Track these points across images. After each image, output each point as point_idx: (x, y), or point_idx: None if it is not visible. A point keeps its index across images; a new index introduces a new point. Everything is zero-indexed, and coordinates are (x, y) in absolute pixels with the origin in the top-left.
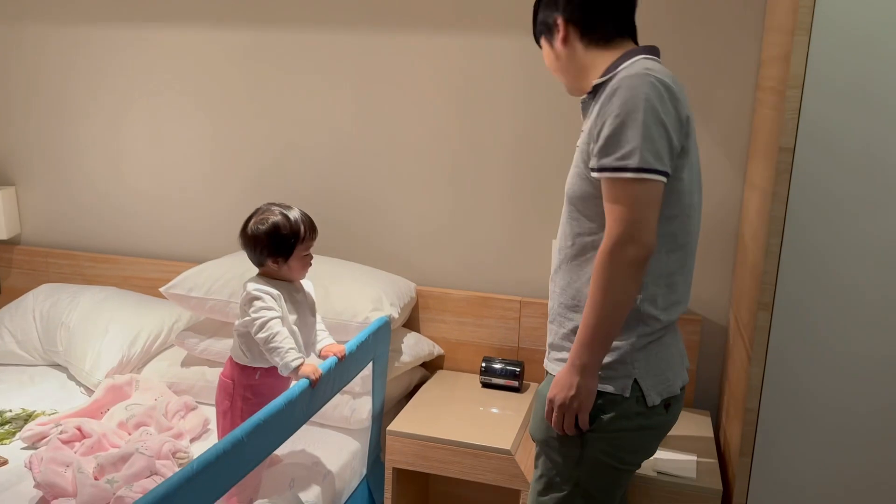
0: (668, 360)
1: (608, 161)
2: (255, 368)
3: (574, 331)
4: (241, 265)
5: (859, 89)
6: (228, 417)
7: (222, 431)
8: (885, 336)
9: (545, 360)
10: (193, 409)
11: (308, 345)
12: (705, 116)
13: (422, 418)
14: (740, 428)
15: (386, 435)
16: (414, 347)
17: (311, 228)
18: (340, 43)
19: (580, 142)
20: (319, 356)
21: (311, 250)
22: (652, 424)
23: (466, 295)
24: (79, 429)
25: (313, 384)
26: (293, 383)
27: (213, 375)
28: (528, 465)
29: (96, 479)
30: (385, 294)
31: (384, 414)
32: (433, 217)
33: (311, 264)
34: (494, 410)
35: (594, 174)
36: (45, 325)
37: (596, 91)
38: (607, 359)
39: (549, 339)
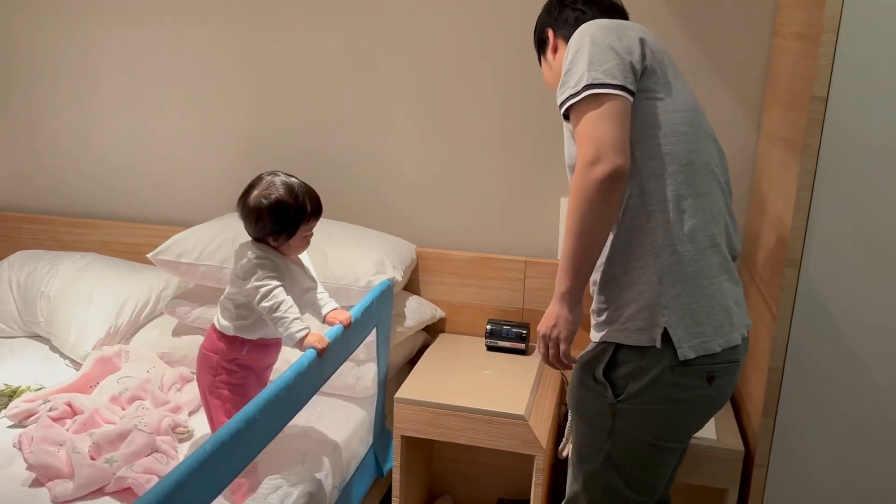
0: (705, 312)
1: (565, 93)
2: (243, 342)
3: (604, 294)
4: (231, 228)
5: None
6: (216, 393)
7: (212, 408)
8: None
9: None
10: (190, 380)
11: (305, 309)
12: (717, 64)
13: (429, 384)
14: (763, 388)
15: (393, 402)
16: (416, 311)
17: (317, 207)
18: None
19: None
20: (324, 322)
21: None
22: (690, 398)
23: (468, 256)
24: (69, 405)
25: (320, 353)
26: (287, 353)
27: None
28: (542, 430)
29: (93, 458)
30: (387, 256)
31: (388, 381)
32: (430, 175)
33: (308, 244)
34: (502, 374)
35: (561, 112)
36: (23, 294)
37: None
38: (631, 308)
39: (589, 311)
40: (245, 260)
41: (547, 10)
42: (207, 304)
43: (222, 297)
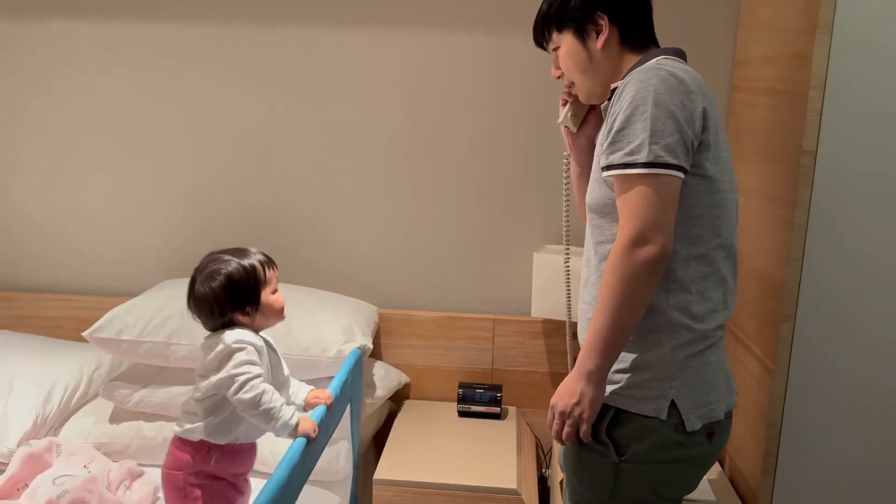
0: (711, 380)
1: (617, 157)
2: (210, 448)
3: None
4: (177, 299)
5: (880, 86)
6: None
7: None
8: None
9: None
10: (139, 475)
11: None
12: None
13: (407, 460)
14: (759, 445)
15: (372, 485)
16: (385, 379)
17: (268, 261)
18: (275, 42)
19: (597, 147)
20: (305, 407)
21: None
22: (692, 456)
23: (433, 316)
24: None
25: (312, 440)
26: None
27: (153, 431)
28: (531, 501)
29: None
30: (355, 322)
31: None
32: (391, 231)
33: (283, 301)
34: (481, 442)
35: (605, 174)
36: None
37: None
38: (640, 376)
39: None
40: (221, 346)
41: None
42: (152, 385)
43: (185, 399)
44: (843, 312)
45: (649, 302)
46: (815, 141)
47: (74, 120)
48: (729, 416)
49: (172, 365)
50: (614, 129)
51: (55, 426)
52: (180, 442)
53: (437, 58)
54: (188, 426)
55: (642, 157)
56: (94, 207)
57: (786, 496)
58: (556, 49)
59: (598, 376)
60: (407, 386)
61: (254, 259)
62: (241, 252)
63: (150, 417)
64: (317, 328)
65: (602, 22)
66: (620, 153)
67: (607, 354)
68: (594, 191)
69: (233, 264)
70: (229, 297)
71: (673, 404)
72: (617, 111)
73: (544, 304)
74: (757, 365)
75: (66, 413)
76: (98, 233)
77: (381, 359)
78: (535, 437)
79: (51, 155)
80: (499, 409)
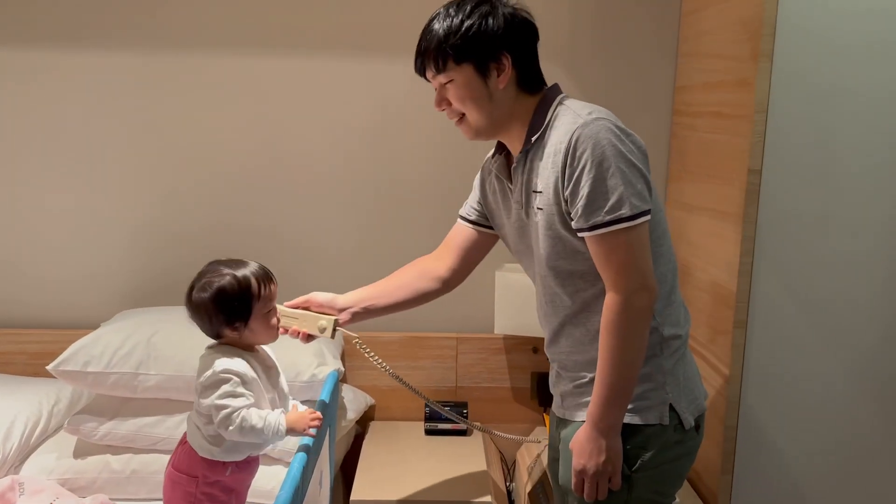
0: (692, 376)
1: (600, 217)
2: (225, 464)
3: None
4: (144, 328)
5: (819, 108)
6: None
7: None
8: (851, 339)
9: (559, 409)
10: None
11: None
12: None
13: (381, 480)
14: (716, 447)
15: None
16: (354, 402)
17: (266, 279)
18: (235, 68)
19: (540, 203)
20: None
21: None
22: (688, 450)
23: (398, 336)
24: None
25: (318, 427)
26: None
27: (120, 464)
28: None
29: None
30: (325, 345)
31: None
32: (351, 251)
33: (278, 323)
34: (449, 458)
35: (586, 234)
36: None
37: (530, 145)
38: (640, 388)
39: (561, 389)
40: (210, 372)
41: (494, 28)
42: (119, 417)
43: (192, 411)
44: (791, 319)
45: (647, 342)
46: (759, 160)
47: (24, 145)
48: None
49: (140, 396)
50: (585, 190)
51: (15, 464)
52: (194, 452)
53: (394, 81)
54: (200, 443)
55: (625, 211)
56: (44, 237)
57: (744, 493)
58: (448, 81)
59: (617, 428)
60: (372, 408)
61: (248, 272)
62: (238, 264)
63: (116, 450)
64: (288, 351)
65: (505, 62)
66: (602, 212)
67: (625, 402)
68: (554, 249)
69: (227, 278)
70: (219, 309)
71: (671, 407)
72: (575, 172)
73: (506, 321)
74: (711, 371)
75: (26, 450)
76: (47, 262)
77: (345, 381)
78: (500, 451)
79: (5, 177)
80: (465, 425)
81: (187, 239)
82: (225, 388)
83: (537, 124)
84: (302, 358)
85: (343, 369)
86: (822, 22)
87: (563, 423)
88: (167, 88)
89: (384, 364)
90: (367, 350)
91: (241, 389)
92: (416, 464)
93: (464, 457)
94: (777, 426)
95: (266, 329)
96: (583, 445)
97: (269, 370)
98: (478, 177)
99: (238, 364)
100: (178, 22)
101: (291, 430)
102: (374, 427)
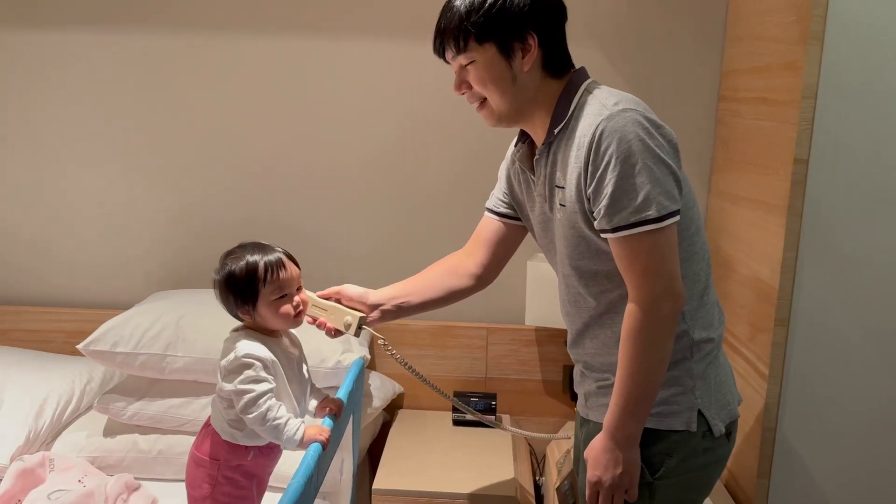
0: (725, 381)
1: (623, 217)
2: (248, 448)
3: None
4: (173, 310)
5: (870, 96)
6: None
7: None
8: None
9: (583, 408)
10: (136, 488)
11: (299, 402)
12: None
13: (405, 470)
14: (754, 448)
15: (371, 495)
16: (381, 389)
17: (278, 265)
18: (267, 52)
19: (562, 199)
20: (315, 414)
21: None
22: (717, 458)
23: (427, 325)
24: None
25: (325, 445)
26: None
27: (148, 444)
28: None
29: None
30: (370, 329)
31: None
32: (383, 239)
33: (297, 311)
34: (477, 450)
35: (608, 235)
36: None
37: (553, 136)
38: (666, 392)
39: (585, 388)
40: (232, 356)
41: (520, 4)
42: (147, 398)
43: (215, 394)
44: (836, 317)
45: (671, 350)
46: (806, 149)
47: (62, 128)
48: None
49: (168, 377)
50: (609, 189)
51: (47, 441)
52: (216, 433)
53: (427, 67)
54: (222, 425)
55: (652, 212)
56: (82, 218)
57: (780, 499)
58: (469, 63)
59: (636, 439)
60: (400, 396)
61: (260, 257)
62: (256, 248)
63: (144, 430)
64: (314, 338)
65: (531, 42)
66: (626, 212)
67: (645, 413)
68: (578, 249)
69: (239, 262)
70: (229, 292)
71: (699, 413)
72: (598, 168)
73: (538, 312)
74: (750, 369)
75: (58, 427)
76: (86, 244)
77: (374, 369)
78: (529, 444)
79: (37, 163)
80: (493, 417)
81: (223, 226)
82: (248, 373)
83: (561, 114)
84: (328, 344)
85: (369, 357)
86: (876, 3)
87: (585, 422)
88: (207, 77)
89: (409, 365)
90: (393, 351)
91: (263, 374)
92: (442, 455)
93: (491, 449)
94: (818, 430)
95: (276, 316)
96: (598, 456)
97: (291, 357)
98: (503, 165)
99: (258, 349)
100: (219, 8)
101: (309, 442)
102: (402, 415)
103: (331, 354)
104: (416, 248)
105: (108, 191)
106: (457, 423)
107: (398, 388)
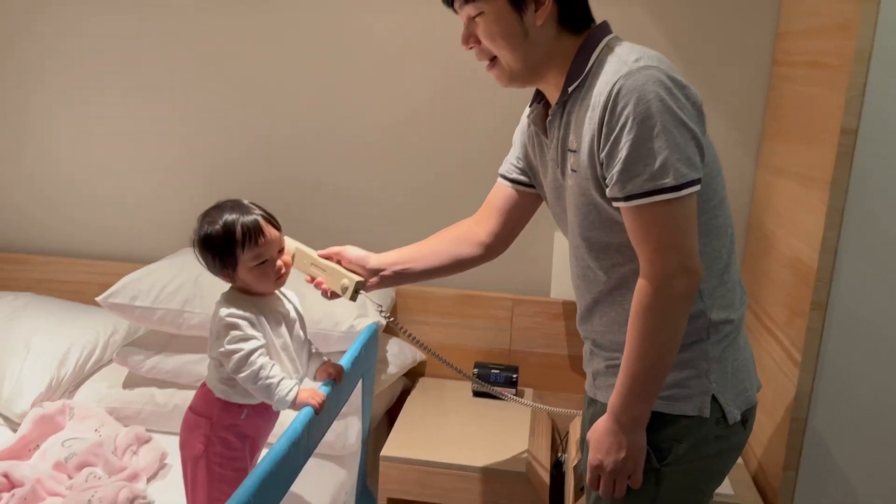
0: (743, 366)
1: (637, 185)
2: (241, 406)
3: None
4: (193, 267)
5: None
6: (202, 465)
7: (193, 482)
8: None
9: (590, 387)
10: (147, 441)
11: (300, 365)
12: (712, 91)
13: (416, 439)
14: (782, 438)
15: (378, 461)
16: (398, 356)
17: (255, 231)
18: (304, 7)
19: (574, 164)
20: (314, 378)
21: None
22: (732, 446)
23: (452, 293)
24: (5, 475)
25: (318, 410)
26: (282, 414)
27: (164, 398)
28: (542, 487)
29: None
30: (367, 299)
31: (369, 435)
32: (409, 204)
33: (279, 274)
34: (493, 423)
35: (621, 204)
36: None
37: (567, 95)
38: (678, 375)
39: (593, 367)
40: (217, 319)
41: None
42: (165, 352)
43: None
44: (878, 304)
45: (684, 332)
46: (856, 119)
47: (99, 83)
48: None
49: (185, 333)
50: (623, 153)
51: (70, 389)
52: (211, 393)
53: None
54: (214, 383)
55: (668, 180)
56: (118, 172)
57: (808, 494)
58: (478, 14)
59: (642, 423)
60: (422, 364)
61: (236, 225)
62: (234, 209)
63: (161, 384)
64: (329, 301)
65: None
66: (640, 179)
67: (652, 396)
68: (589, 217)
69: (215, 226)
70: (207, 255)
71: (713, 398)
72: (613, 129)
73: (564, 285)
74: (784, 356)
75: (80, 377)
76: (119, 199)
77: (396, 335)
78: (552, 420)
79: (72, 119)
80: (514, 390)
81: (252, 184)
82: (234, 333)
83: (576, 71)
84: (343, 308)
85: (383, 322)
86: None
87: (592, 402)
88: (238, 34)
89: (410, 333)
90: (389, 317)
91: (250, 332)
92: (457, 425)
93: (508, 423)
94: (851, 424)
95: (258, 280)
96: (601, 439)
97: (281, 318)
98: (518, 129)
99: (241, 301)
100: None
101: (301, 404)
102: (422, 384)
103: (344, 319)
104: (443, 211)
105: (142, 148)
106: (477, 394)
107: (418, 356)
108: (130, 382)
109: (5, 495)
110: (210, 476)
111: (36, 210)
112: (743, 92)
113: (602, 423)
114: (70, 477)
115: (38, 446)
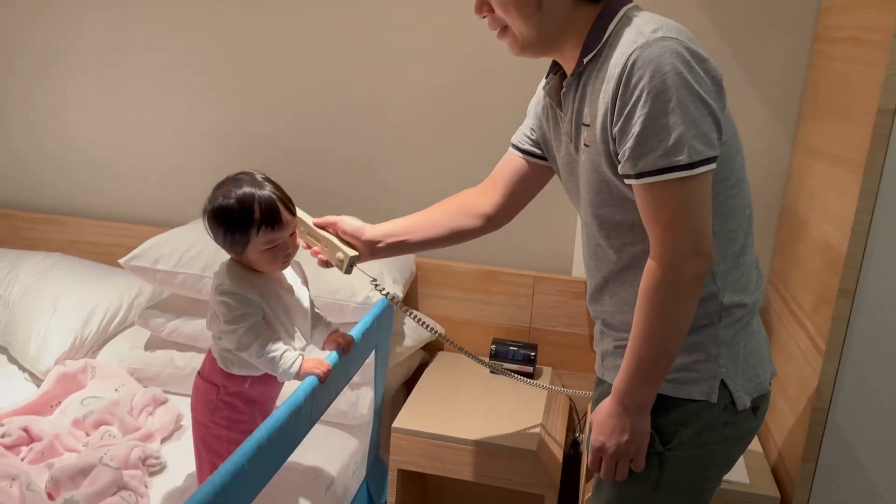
0: (756, 351)
1: (649, 161)
2: (244, 376)
3: None
4: None
5: None
6: (210, 430)
7: (202, 445)
8: None
9: (599, 368)
10: (163, 402)
11: (305, 336)
12: (749, 67)
13: (429, 412)
14: (803, 429)
15: (390, 432)
16: (416, 329)
17: (273, 214)
18: None
19: (587, 139)
20: (322, 348)
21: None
22: (739, 433)
23: (472, 268)
24: (25, 430)
25: (322, 379)
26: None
27: (184, 361)
28: (553, 466)
29: (51, 497)
30: (386, 268)
31: (383, 406)
32: (432, 178)
33: (287, 257)
34: (508, 401)
35: (632, 181)
36: None
37: (583, 67)
38: (686, 358)
39: (602, 347)
40: (214, 294)
41: None
42: (185, 316)
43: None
44: None
45: (693, 316)
46: (894, 98)
47: (135, 48)
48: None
49: (205, 298)
50: (636, 128)
51: (93, 349)
52: (216, 363)
53: None
54: (218, 352)
55: (682, 157)
56: (148, 140)
57: (827, 487)
58: None
59: (647, 407)
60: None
61: (256, 207)
62: (252, 190)
63: (181, 347)
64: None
65: None
66: (653, 156)
67: (658, 380)
68: (601, 194)
69: (233, 200)
70: (217, 229)
71: (722, 383)
72: (627, 103)
73: None
74: (809, 344)
75: (103, 337)
76: (151, 165)
77: (416, 308)
78: (571, 400)
79: (109, 86)
80: (532, 368)
81: (284, 155)
82: (231, 311)
83: (593, 42)
84: (360, 279)
85: (400, 295)
86: None
87: (601, 383)
88: (274, 3)
89: (402, 303)
90: (385, 292)
91: (247, 309)
92: (471, 400)
93: (524, 400)
94: (874, 417)
95: (266, 262)
96: (604, 420)
97: (281, 290)
98: (533, 99)
99: (240, 277)
100: None
101: (306, 374)
102: (441, 357)
103: (361, 289)
104: (472, 185)
105: (177, 115)
106: (494, 371)
107: (439, 328)
108: (152, 345)
109: (24, 449)
110: (217, 439)
111: (71, 172)
112: (781, 70)
113: (606, 405)
114: (87, 434)
115: (59, 403)
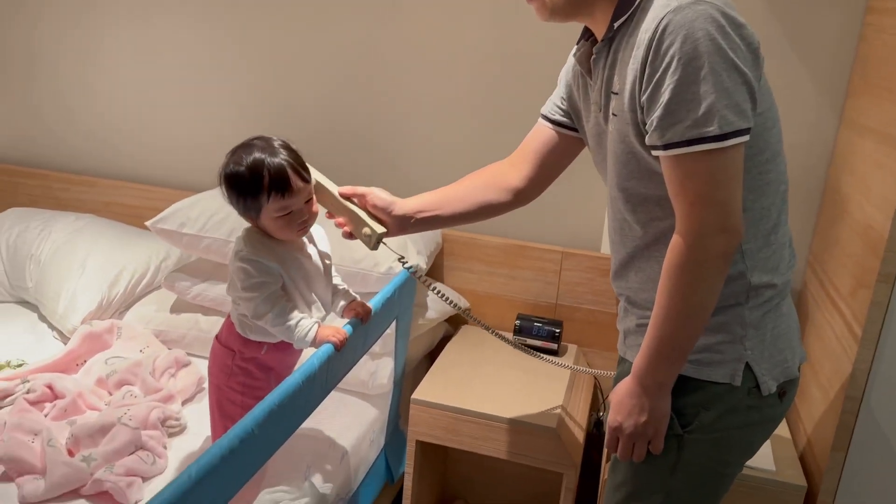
0: (785, 335)
1: (678, 132)
2: (260, 343)
3: None
4: None
5: None
6: (225, 394)
7: (217, 408)
8: None
9: (621, 346)
10: (186, 365)
11: (325, 305)
12: (795, 40)
13: (450, 385)
14: (834, 417)
15: (410, 403)
16: (439, 301)
17: (283, 180)
18: None
19: (616, 108)
20: (341, 316)
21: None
22: (763, 418)
23: (498, 242)
24: (49, 387)
25: (338, 347)
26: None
27: (209, 325)
28: (573, 444)
29: (70, 453)
30: (410, 240)
31: (405, 376)
32: (458, 149)
33: (305, 224)
34: (531, 377)
35: (659, 152)
36: (13, 256)
37: (613, 32)
38: (710, 339)
39: (625, 325)
40: (233, 260)
41: None
42: (211, 280)
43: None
44: None
45: (719, 294)
46: None
47: (168, 12)
48: (799, 369)
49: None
50: (665, 96)
51: (120, 310)
52: (234, 328)
53: None
54: (235, 318)
55: (712, 128)
56: (179, 106)
57: (857, 479)
58: None
59: (667, 387)
60: (466, 311)
61: (266, 173)
62: (265, 156)
63: (206, 311)
64: None
65: None
66: (682, 126)
67: (679, 360)
68: (628, 166)
69: (244, 166)
70: (231, 194)
71: (747, 366)
72: (657, 69)
73: None
74: (845, 329)
75: (130, 299)
76: (181, 130)
77: (442, 280)
78: (595, 378)
79: (139, 57)
80: (556, 345)
81: (315, 123)
82: (249, 279)
83: (625, 6)
84: (384, 249)
85: (423, 266)
86: None
87: (622, 361)
88: None
89: (437, 288)
90: (411, 268)
91: (265, 277)
92: (493, 375)
93: (546, 377)
94: None
95: (281, 229)
96: (622, 400)
97: (301, 258)
98: (564, 67)
99: (258, 244)
100: None
101: (322, 341)
102: (465, 331)
103: (384, 260)
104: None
105: (212, 80)
106: (517, 348)
107: (463, 303)
108: (177, 308)
109: (48, 405)
110: (231, 403)
111: (105, 135)
112: (831, 43)
113: (625, 385)
114: (110, 393)
115: (84, 362)
